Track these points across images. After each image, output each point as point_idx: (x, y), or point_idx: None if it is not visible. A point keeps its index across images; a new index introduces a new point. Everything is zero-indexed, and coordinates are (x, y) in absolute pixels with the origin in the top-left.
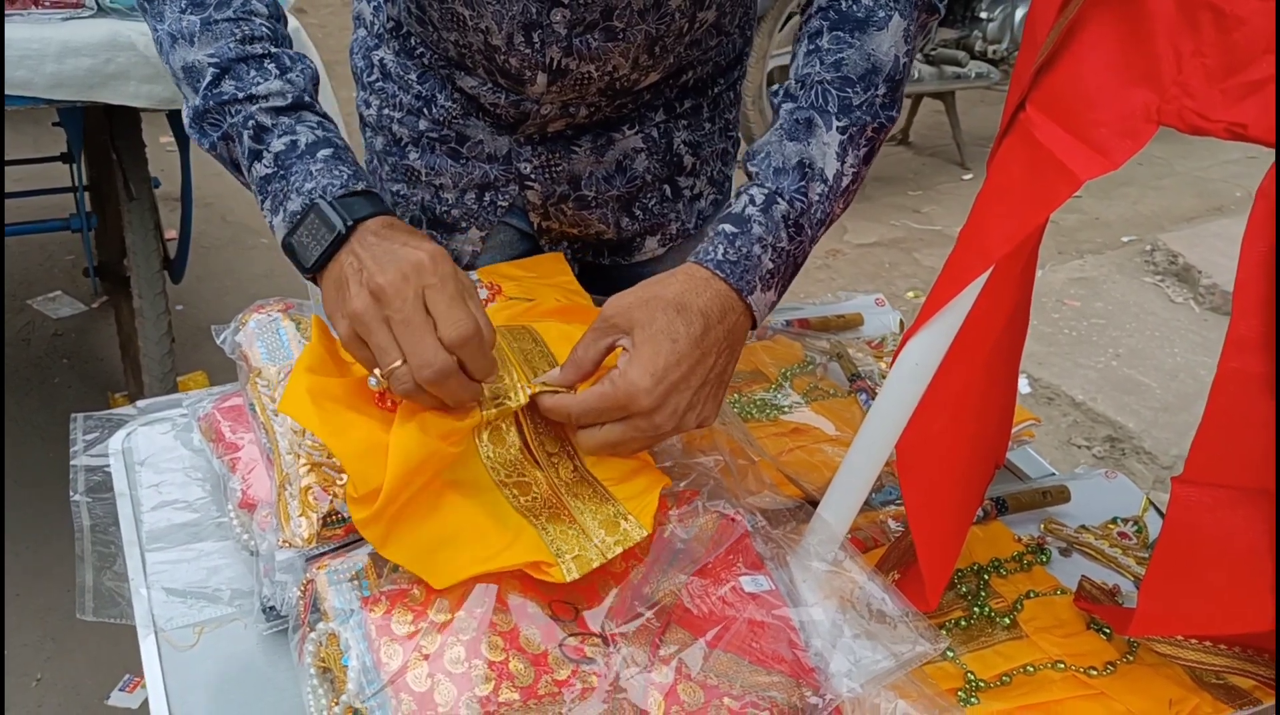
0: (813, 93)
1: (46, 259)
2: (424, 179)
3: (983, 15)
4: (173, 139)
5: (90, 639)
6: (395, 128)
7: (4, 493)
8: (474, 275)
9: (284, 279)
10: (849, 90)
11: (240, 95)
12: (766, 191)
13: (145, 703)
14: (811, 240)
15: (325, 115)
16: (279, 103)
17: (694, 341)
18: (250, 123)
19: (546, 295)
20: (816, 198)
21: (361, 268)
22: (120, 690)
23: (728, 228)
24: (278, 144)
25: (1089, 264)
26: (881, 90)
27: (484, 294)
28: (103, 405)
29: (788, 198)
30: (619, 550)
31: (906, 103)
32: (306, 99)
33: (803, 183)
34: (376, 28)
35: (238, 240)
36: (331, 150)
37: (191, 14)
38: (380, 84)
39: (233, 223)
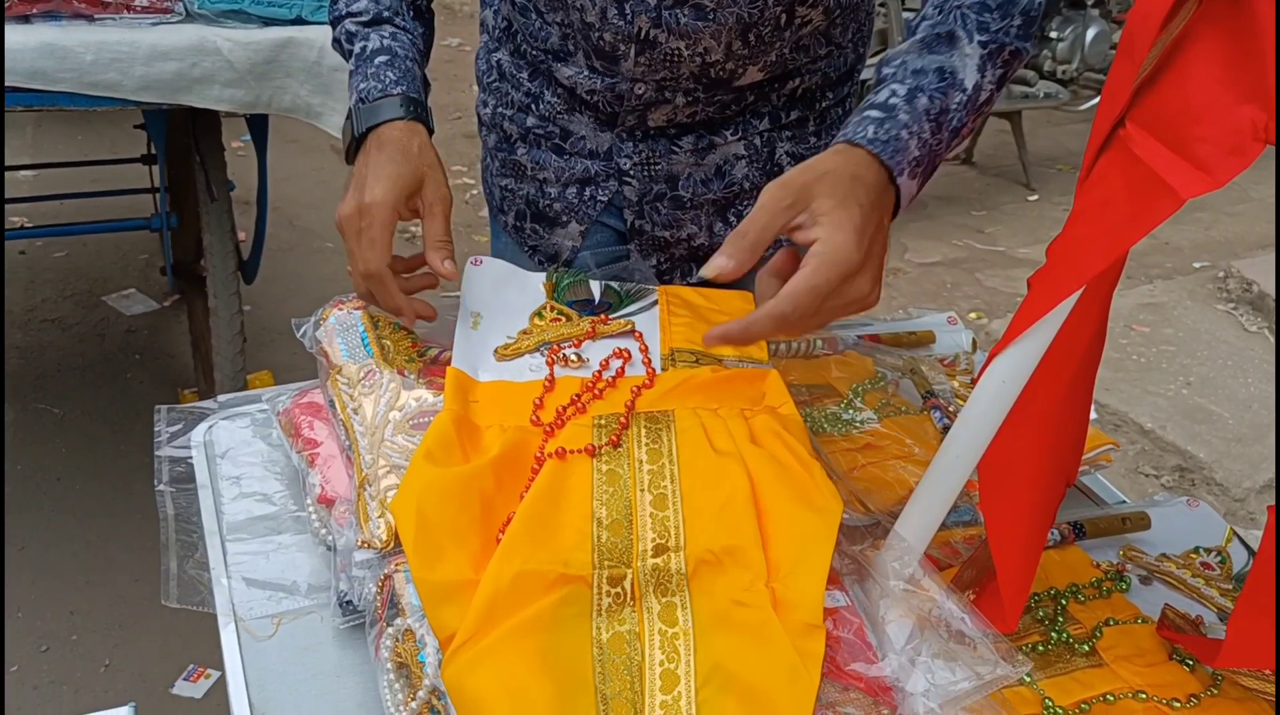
0: (951, 15)
1: (121, 257)
2: (529, 174)
3: (1053, 35)
4: (241, 143)
5: (157, 628)
6: (506, 125)
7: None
8: (653, 292)
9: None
10: (987, 16)
11: (341, 13)
12: (909, 86)
13: (208, 693)
14: (946, 145)
15: (405, 28)
16: (363, 18)
17: (871, 207)
18: (344, 33)
19: None
20: (954, 105)
21: (355, 179)
22: (184, 680)
23: (873, 113)
24: (356, 47)
25: (1159, 289)
26: (1018, 21)
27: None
28: (173, 400)
29: (928, 94)
30: None
31: None
32: (386, 15)
33: (942, 84)
34: (495, 31)
35: (304, 244)
36: (388, 58)
37: None
38: (496, 84)
39: (300, 227)
